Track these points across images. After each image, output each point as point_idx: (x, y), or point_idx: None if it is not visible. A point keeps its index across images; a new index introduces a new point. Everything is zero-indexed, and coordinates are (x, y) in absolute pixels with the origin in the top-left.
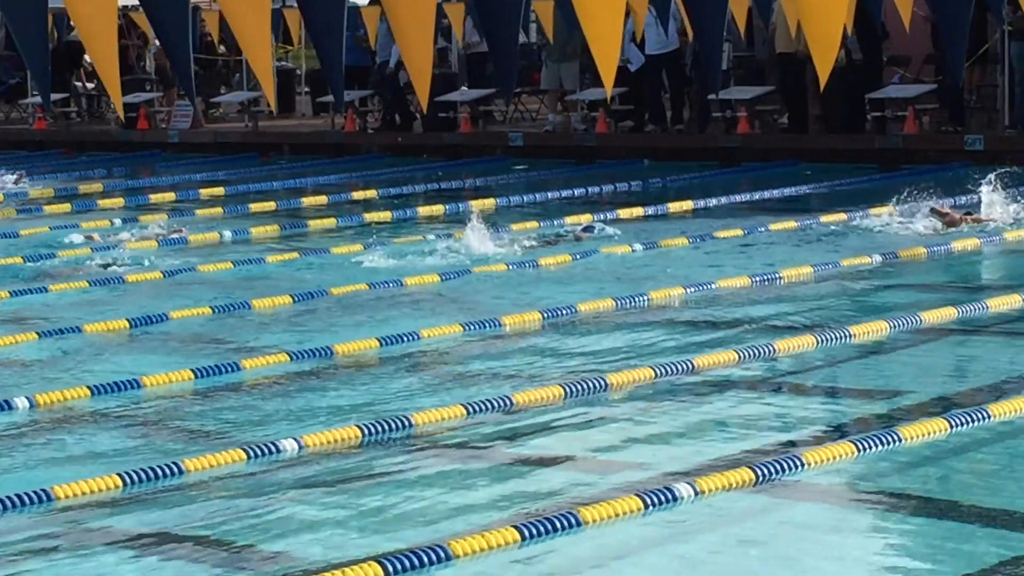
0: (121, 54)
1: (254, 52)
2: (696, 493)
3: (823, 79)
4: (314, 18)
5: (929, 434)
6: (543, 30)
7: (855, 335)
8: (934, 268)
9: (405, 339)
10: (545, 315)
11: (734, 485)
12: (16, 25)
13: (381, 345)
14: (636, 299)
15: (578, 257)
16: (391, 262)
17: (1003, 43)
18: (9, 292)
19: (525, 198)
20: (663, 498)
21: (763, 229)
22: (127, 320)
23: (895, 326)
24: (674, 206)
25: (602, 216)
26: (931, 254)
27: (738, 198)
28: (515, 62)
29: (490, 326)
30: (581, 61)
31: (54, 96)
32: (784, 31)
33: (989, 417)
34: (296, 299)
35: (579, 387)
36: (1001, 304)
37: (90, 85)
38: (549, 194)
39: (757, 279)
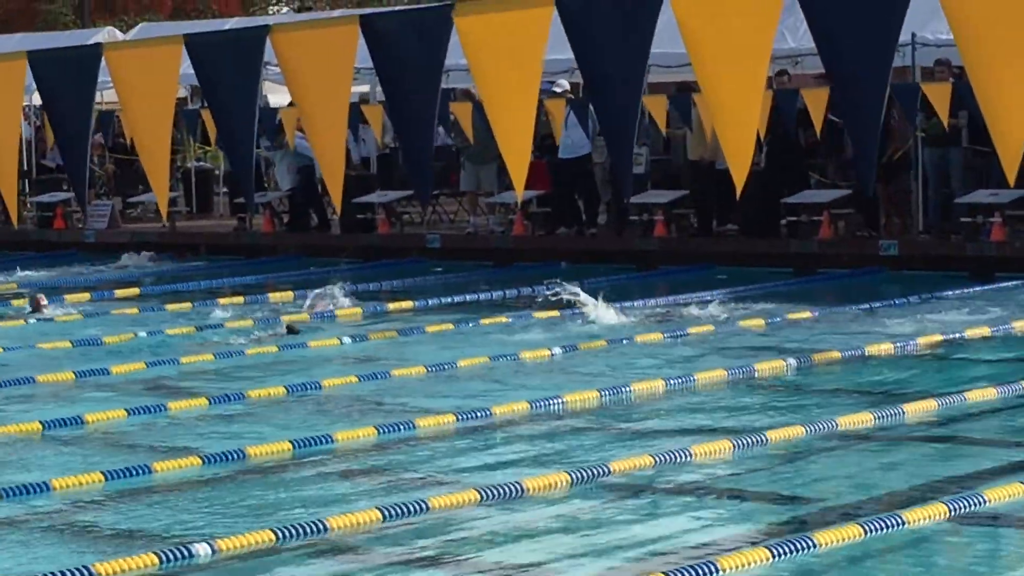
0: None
1: (151, 156)
2: None
3: (739, 186)
4: (224, 121)
5: (844, 540)
6: (462, 131)
7: (771, 439)
8: (850, 372)
9: (319, 442)
10: (459, 417)
11: None
12: None
13: (295, 448)
14: (552, 402)
15: (495, 360)
16: (307, 365)
17: (917, 148)
18: None
19: (443, 300)
20: None
21: (681, 332)
22: (39, 422)
23: (811, 431)
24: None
25: (519, 317)
26: (846, 358)
27: (655, 302)
28: (429, 165)
29: (404, 428)
30: (499, 163)
31: None
32: (699, 137)
33: (903, 523)
34: (212, 401)
35: (495, 492)
36: (917, 409)
37: None
38: (467, 296)
39: (673, 383)
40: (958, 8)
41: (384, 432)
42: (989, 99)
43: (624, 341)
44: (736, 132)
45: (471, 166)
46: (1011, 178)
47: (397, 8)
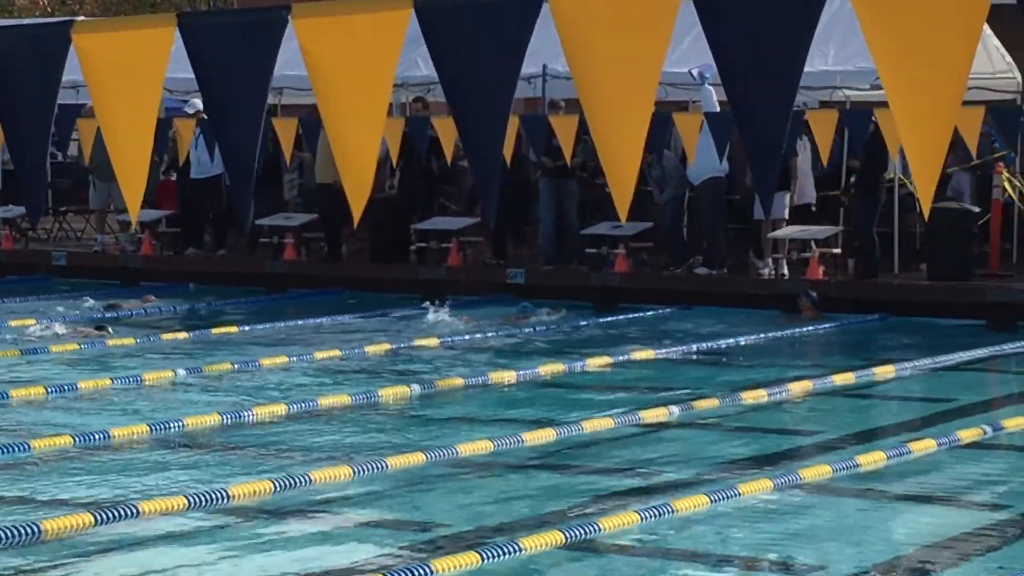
0: None
1: None
2: None
3: (357, 215)
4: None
5: (462, 566)
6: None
7: (391, 465)
8: (472, 399)
9: None
10: (76, 439)
11: None
12: None
13: None
14: (172, 425)
15: (116, 381)
16: None
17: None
18: None
19: (68, 319)
20: None
21: (307, 356)
22: None
23: (431, 457)
24: (218, 331)
25: (144, 340)
26: (469, 385)
27: (283, 324)
28: (43, 183)
29: (19, 449)
30: None
31: None
32: (325, 160)
33: (520, 550)
34: None
35: (111, 515)
36: (536, 438)
37: None
38: (96, 316)
39: (295, 406)
40: (574, 44)
41: None
42: (602, 135)
43: (250, 364)
44: (356, 159)
45: (101, 184)
46: (623, 214)
47: (12, 22)
